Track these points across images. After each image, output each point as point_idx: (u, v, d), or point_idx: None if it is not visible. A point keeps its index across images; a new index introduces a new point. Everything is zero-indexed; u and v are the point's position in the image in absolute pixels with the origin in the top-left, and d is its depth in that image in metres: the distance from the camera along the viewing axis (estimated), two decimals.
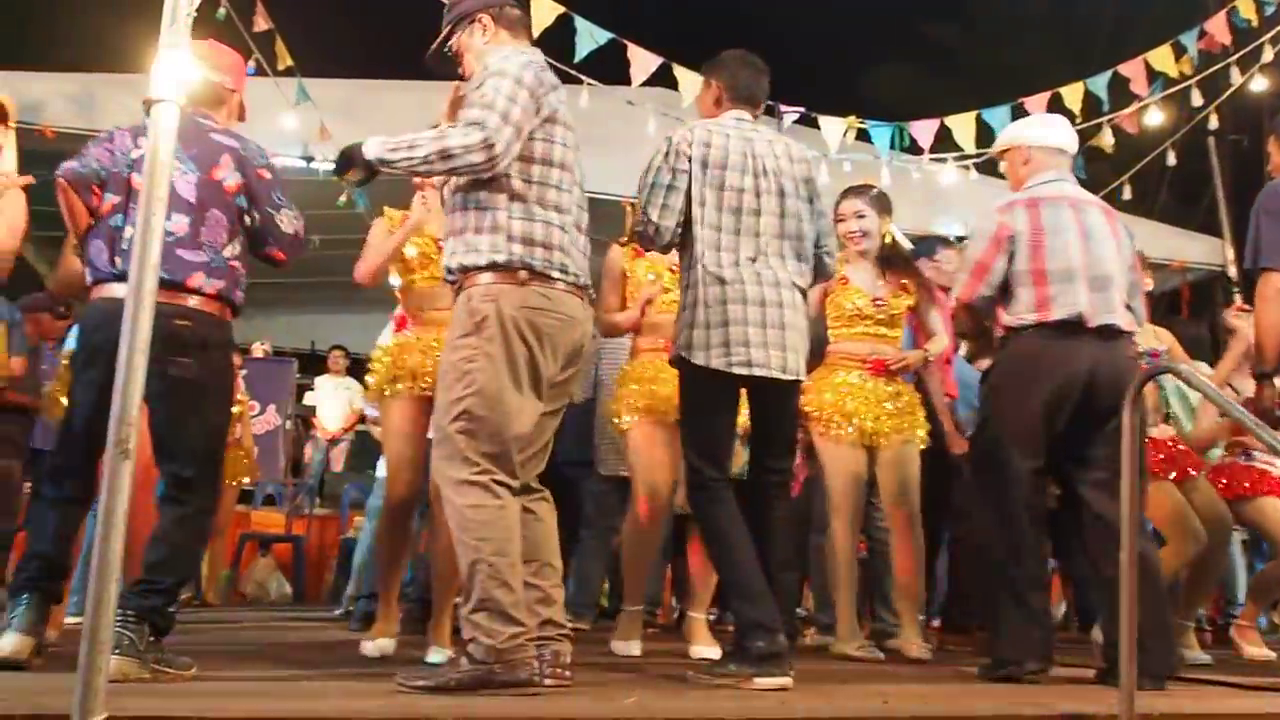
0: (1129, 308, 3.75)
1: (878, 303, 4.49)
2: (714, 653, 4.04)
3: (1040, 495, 3.72)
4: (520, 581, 2.83)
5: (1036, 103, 7.02)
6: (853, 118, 7.43)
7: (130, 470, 2.00)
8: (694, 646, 4.23)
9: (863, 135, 7.57)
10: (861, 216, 4.56)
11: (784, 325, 3.38)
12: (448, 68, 3.26)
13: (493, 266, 2.90)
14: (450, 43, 3.21)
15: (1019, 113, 6.70)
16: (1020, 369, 3.68)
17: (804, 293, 3.53)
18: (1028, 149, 3.93)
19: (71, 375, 3.34)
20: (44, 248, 7.45)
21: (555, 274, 2.95)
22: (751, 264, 3.38)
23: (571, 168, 3.07)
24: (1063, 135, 4.00)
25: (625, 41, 6.80)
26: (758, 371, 3.33)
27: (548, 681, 2.86)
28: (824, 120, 7.31)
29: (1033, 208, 3.75)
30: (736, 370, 3.32)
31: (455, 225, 3.02)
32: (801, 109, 7.17)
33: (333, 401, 9.95)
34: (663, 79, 7.00)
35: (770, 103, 3.76)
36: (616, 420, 4.37)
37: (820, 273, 3.65)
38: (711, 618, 4.95)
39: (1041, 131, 4.00)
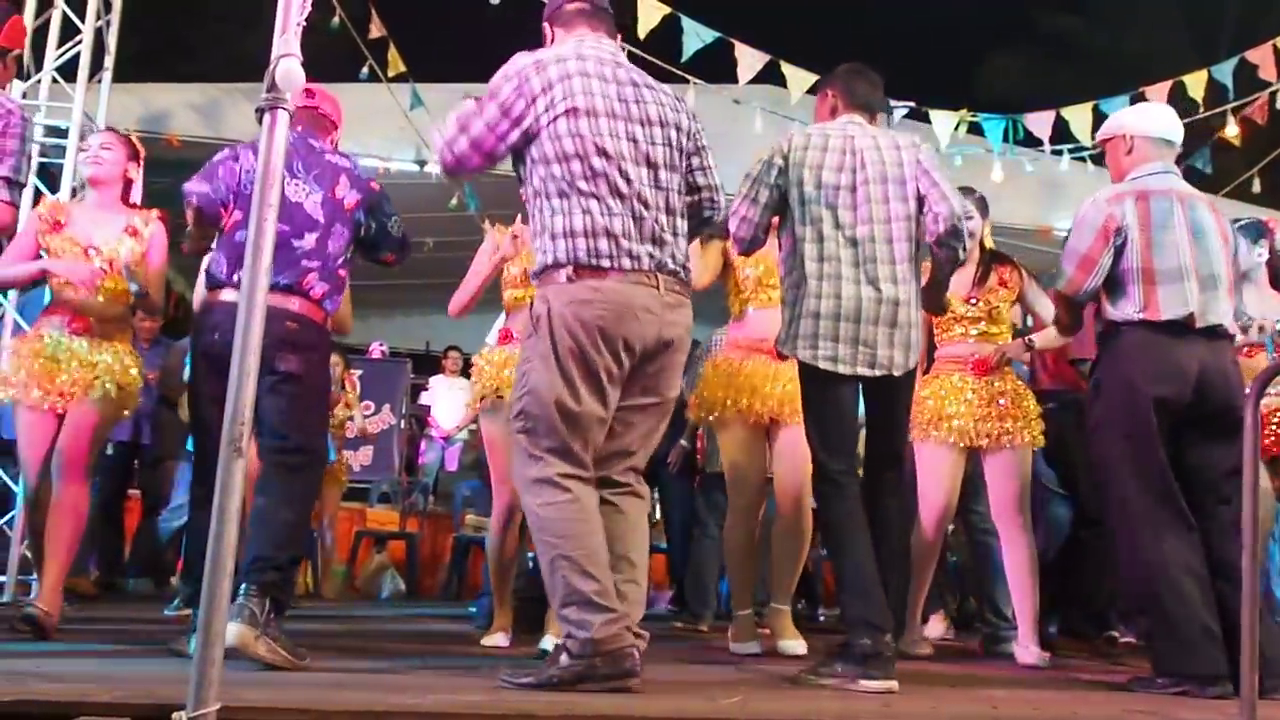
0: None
1: (971, 300, 4.44)
2: (799, 647, 4.08)
3: (1171, 494, 3.49)
4: (605, 570, 2.81)
5: (1157, 92, 6.76)
6: (964, 111, 7.29)
7: (243, 468, 2.05)
8: (780, 641, 4.22)
9: (975, 128, 7.42)
10: (970, 218, 4.46)
11: (878, 320, 3.34)
12: None
13: (552, 266, 2.94)
14: None
15: (1138, 102, 6.49)
16: (1127, 365, 3.55)
17: (910, 283, 3.41)
18: (1131, 138, 3.77)
19: (194, 378, 3.51)
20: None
21: (605, 263, 2.90)
22: (846, 261, 3.35)
23: (612, 154, 2.93)
24: (1168, 125, 3.81)
25: (731, 40, 6.79)
26: (842, 369, 3.33)
27: None
28: (935, 114, 7.19)
29: (1142, 200, 3.61)
30: (822, 365, 3.33)
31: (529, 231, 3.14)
32: (912, 103, 7.07)
33: (447, 401, 10.12)
34: (770, 77, 6.97)
35: None
36: (706, 417, 4.39)
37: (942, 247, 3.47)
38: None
39: (1146, 121, 3.82)
